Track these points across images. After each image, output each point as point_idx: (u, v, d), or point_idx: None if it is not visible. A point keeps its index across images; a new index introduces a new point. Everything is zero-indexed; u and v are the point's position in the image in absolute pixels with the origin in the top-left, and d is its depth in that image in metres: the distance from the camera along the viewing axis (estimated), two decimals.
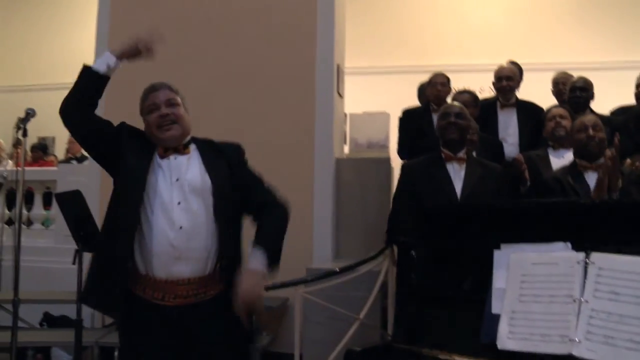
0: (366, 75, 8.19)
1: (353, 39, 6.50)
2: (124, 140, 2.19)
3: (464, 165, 2.95)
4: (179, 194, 2.10)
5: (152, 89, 2.24)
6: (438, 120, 3.07)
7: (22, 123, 3.46)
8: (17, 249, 3.71)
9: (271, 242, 2.11)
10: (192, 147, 2.24)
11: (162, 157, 2.18)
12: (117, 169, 2.17)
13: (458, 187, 2.90)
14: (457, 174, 2.93)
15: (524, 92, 4.93)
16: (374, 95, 7.50)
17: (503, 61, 4.95)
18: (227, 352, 2.15)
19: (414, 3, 8.72)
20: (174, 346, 2.07)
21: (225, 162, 2.24)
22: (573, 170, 2.99)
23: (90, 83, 2.13)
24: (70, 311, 4.87)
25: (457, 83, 5.27)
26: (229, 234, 2.15)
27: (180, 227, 2.06)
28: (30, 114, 3.52)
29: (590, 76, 4.12)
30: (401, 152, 4.34)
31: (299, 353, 3.37)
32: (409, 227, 2.89)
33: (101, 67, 2.12)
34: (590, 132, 2.95)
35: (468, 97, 3.86)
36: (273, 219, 2.19)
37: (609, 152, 2.73)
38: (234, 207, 2.19)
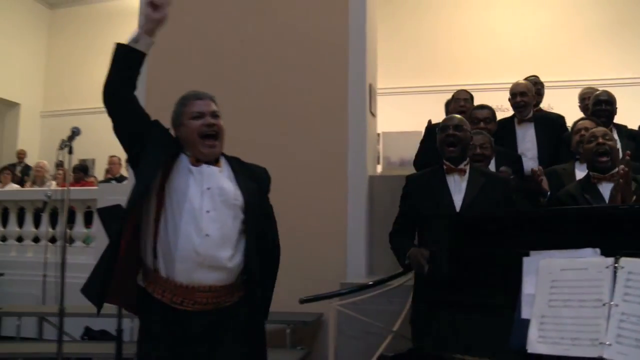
0: (400, 95, 8.31)
1: (387, 61, 6.63)
2: (157, 134, 2.21)
3: (465, 177, 2.90)
4: (209, 203, 2.13)
5: (197, 97, 2.26)
6: (438, 134, 3.02)
7: (68, 141, 3.61)
8: (62, 265, 3.84)
9: (269, 302, 2.36)
10: (223, 160, 2.28)
11: (194, 164, 2.20)
12: (140, 160, 2.19)
13: (458, 198, 2.85)
14: (457, 185, 2.88)
15: (557, 110, 4.95)
16: (408, 115, 7.57)
17: None
18: (244, 358, 2.18)
19: (445, 24, 8.82)
20: (190, 350, 2.09)
21: (256, 185, 2.29)
22: (587, 183, 2.97)
23: (119, 58, 2.12)
24: (109, 326, 5.02)
25: (490, 102, 5.30)
26: (254, 249, 2.20)
27: (207, 235, 2.08)
28: (75, 132, 3.68)
29: (621, 92, 4.11)
30: (416, 163, 4.32)
31: None
32: (404, 237, 2.95)
33: (127, 40, 2.12)
34: (600, 140, 2.94)
35: (487, 112, 3.87)
36: (272, 275, 2.34)
37: (620, 168, 2.71)
38: (259, 226, 2.25)
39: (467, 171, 2.92)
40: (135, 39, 2.10)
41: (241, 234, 2.18)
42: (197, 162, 2.20)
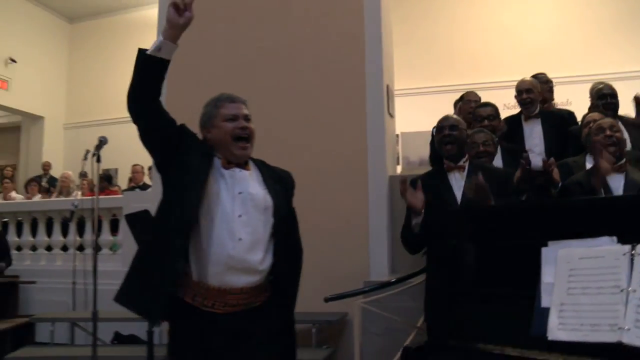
0: (417, 96, 8.35)
1: (404, 62, 6.68)
2: (187, 139, 2.21)
3: (464, 173, 3.00)
4: (241, 207, 2.16)
5: (230, 99, 2.29)
6: (435, 135, 3.16)
7: (96, 150, 3.71)
8: (94, 272, 3.95)
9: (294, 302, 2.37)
10: (251, 164, 2.31)
11: (225, 167, 2.22)
12: (172, 166, 2.18)
13: (459, 194, 2.95)
14: (458, 182, 2.99)
15: (576, 104, 4.96)
16: (426, 115, 7.59)
17: (553, 75, 5.00)
18: (275, 356, 2.21)
19: (460, 23, 8.86)
20: (221, 352, 2.12)
21: (284, 189, 2.33)
22: (594, 173, 2.98)
23: (142, 65, 2.07)
24: (138, 330, 5.13)
25: (507, 100, 5.33)
26: (283, 252, 2.24)
27: (240, 239, 2.12)
28: (103, 141, 3.78)
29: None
30: (431, 162, 4.40)
31: None
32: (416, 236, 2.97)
33: (150, 49, 2.06)
34: (608, 132, 2.98)
35: (490, 109, 3.96)
36: (296, 277, 2.36)
37: None
38: (288, 229, 2.29)
39: (467, 167, 3.03)
40: (158, 47, 2.06)
41: (270, 238, 2.22)
42: (228, 164, 2.22)
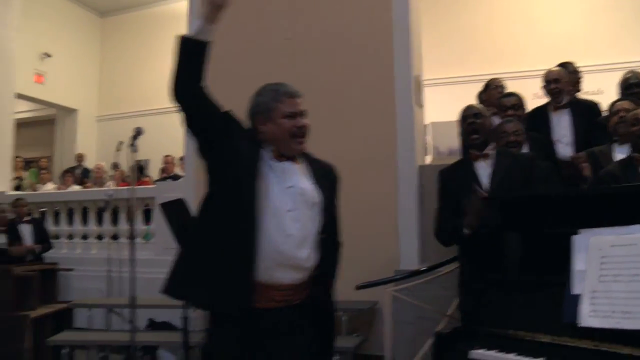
0: (447, 86, 8.32)
1: (435, 51, 6.65)
2: (233, 125, 2.14)
3: (491, 160, 3.01)
4: (290, 202, 2.10)
5: (290, 95, 2.19)
6: (460, 125, 3.16)
7: (133, 140, 3.81)
8: (132, 260, 4.06)
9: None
10: (300, 158, 2.24)
11: (277, 159, 2.16)
12: (217, 152, 2.12)
13: (487, 182, 2.94)
14: (484, 170, 2.99)
15: (609, 94, 4.90)
16: (456, 104, 7.58)
17: (583, 64, 4.95)
18: (312, 355, 2.19)
19: (488, 11, 8.77)
20: (260, 345, 2.10)
21: (330, 184, 2.28)
22: (628, 164, 2.99)
23: (184, 50, 2.03)
24: (171, 317, 5.26)
25: (537, 89, 5.29)
26: (327, 249, 2.21)
27: (290, 235, 2.06)
28: (139, 132, 3.86)
29: None
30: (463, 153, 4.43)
31: (391, 348, 3.51)
32: (451, 227, 2.94)
33: (190, 32, 2.04)
34: None
35: (515, 99, 3.96)
36: (334, 273, 2.30)
37: None
38: (332, 225, 2.26)
39: (493, 155, 3.03)
40: (199, 30, 2.02)
41: (316, 234, 2.18)
42: (279, 157, 2.17)
